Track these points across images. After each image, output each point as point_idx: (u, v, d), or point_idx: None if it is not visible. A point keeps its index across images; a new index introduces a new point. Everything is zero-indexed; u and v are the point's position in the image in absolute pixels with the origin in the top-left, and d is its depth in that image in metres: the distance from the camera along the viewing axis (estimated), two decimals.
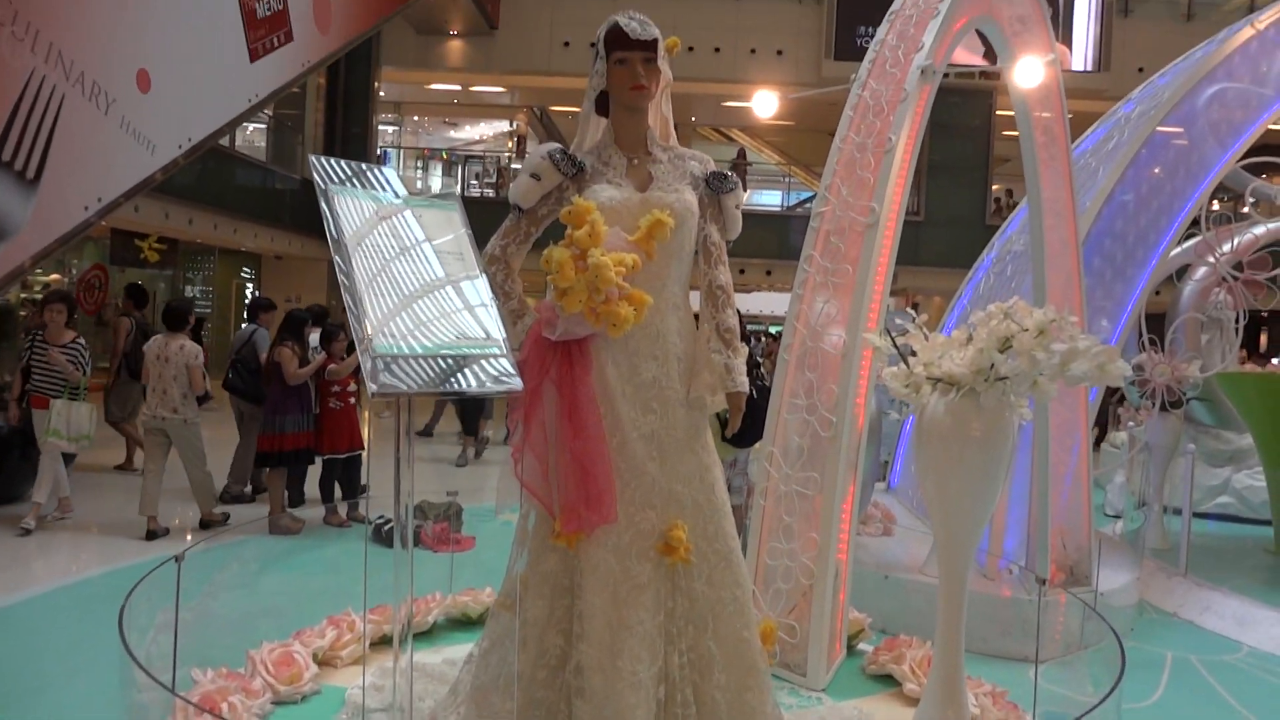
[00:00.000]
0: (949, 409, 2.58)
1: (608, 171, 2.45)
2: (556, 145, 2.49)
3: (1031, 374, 2.45)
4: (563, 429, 2.25)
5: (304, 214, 16.51)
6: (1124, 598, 5.35)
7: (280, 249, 17.21)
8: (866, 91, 3.65)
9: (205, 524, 6.41)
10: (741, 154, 19.82)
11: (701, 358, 2.44)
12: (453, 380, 1.87)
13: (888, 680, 3.29)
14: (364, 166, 2.14)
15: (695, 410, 2.43)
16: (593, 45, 2.47)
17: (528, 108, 21.43)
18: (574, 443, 2.23)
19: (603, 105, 2.54)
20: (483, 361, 1.94)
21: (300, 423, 6.61)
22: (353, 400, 6.85)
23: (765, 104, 4.30)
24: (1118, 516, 8.37)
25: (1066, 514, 5.23)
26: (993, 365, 2.51)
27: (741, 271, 16.95)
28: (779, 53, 17.07)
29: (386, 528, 5.96)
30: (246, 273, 19.42)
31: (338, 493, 6.81)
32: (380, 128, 19.80)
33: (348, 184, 2.03)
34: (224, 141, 14.92)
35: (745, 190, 19.00)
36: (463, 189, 19.05)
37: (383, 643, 3.37)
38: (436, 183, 20.06)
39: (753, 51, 17.01)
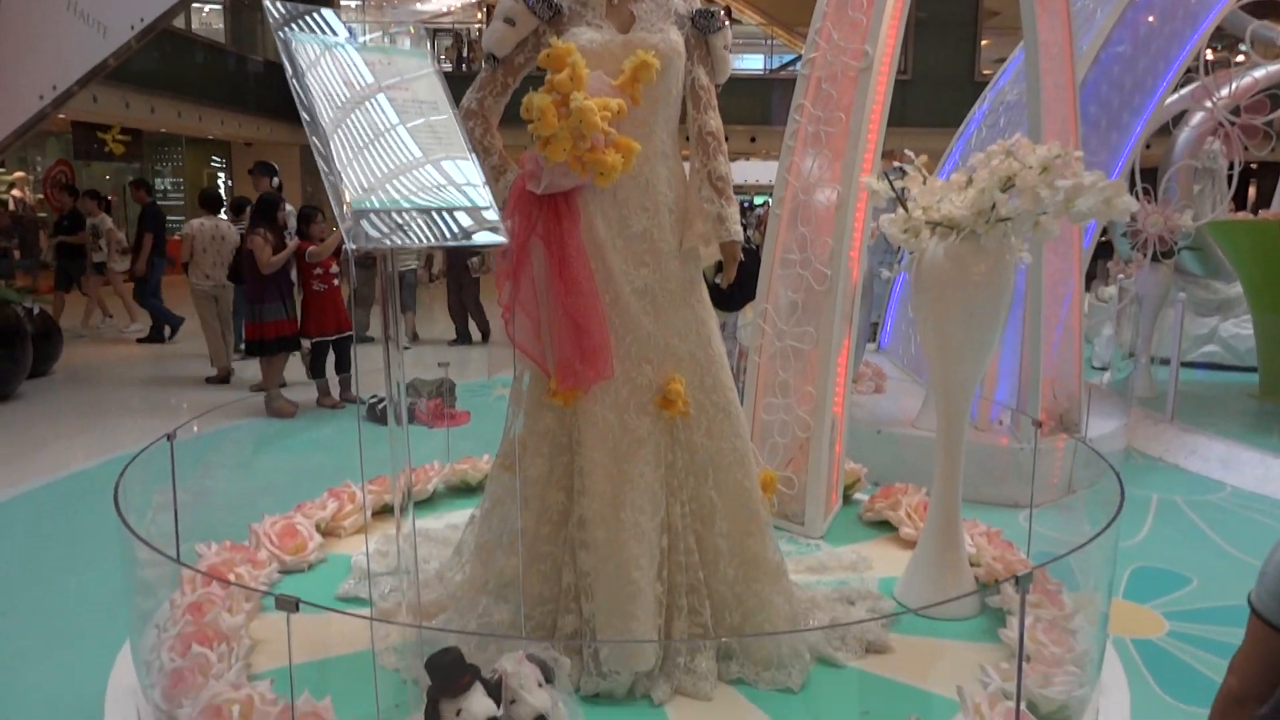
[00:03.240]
0: (948, 253, 2.53)
1: (586, 13, 2.30)
2: None
3: (1034, 213, 2.38)
4: (554, 286, 2.18)
5: (270, 98, 15.92)
6: (1111, 444, 5.44)
7: (249, 135, 16.69)
8: None
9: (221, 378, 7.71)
10: (727, 11, 19.05)
11: (693, 207, 2.35)
12: (435, 233, 1.79)
13: (884, 526, 3.35)
14: (322, 14, 1.99)
15: (688, 262, 2.36)
16: None
17: None
18: (566, 299, 2.17)
19: None
20: (465, 213, 1.86)
21: (280, 310, 6.54)
22: (335, 282, 6.75)
23: None
24: (1104, 369, 8.46)
25: (1057, 364, 5.26)
26: (994, 206, 2.44)
27: (726, 138, 16.53)
28: None
29: (380, 406, 5.94)
30: (217, 161, 18.88)
31: (330, 375, 6.80)
32: (344, 2, 18.89)
33: (304, 28, 1.89)
34: (180, 23, 14.23)
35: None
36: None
37: (384, 512, 3.40)
38: None
39: None
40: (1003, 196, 2.40)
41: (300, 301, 6.74)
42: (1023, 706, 1.88)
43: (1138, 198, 6.63)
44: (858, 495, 3.66)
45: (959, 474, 2.69)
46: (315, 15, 1.96)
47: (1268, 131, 6.59)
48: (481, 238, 1.87)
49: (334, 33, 1.98)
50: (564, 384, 2.21)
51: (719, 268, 2.45)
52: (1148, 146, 7.82)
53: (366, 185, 1.76)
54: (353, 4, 20.71)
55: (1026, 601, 2.29)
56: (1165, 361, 6.97)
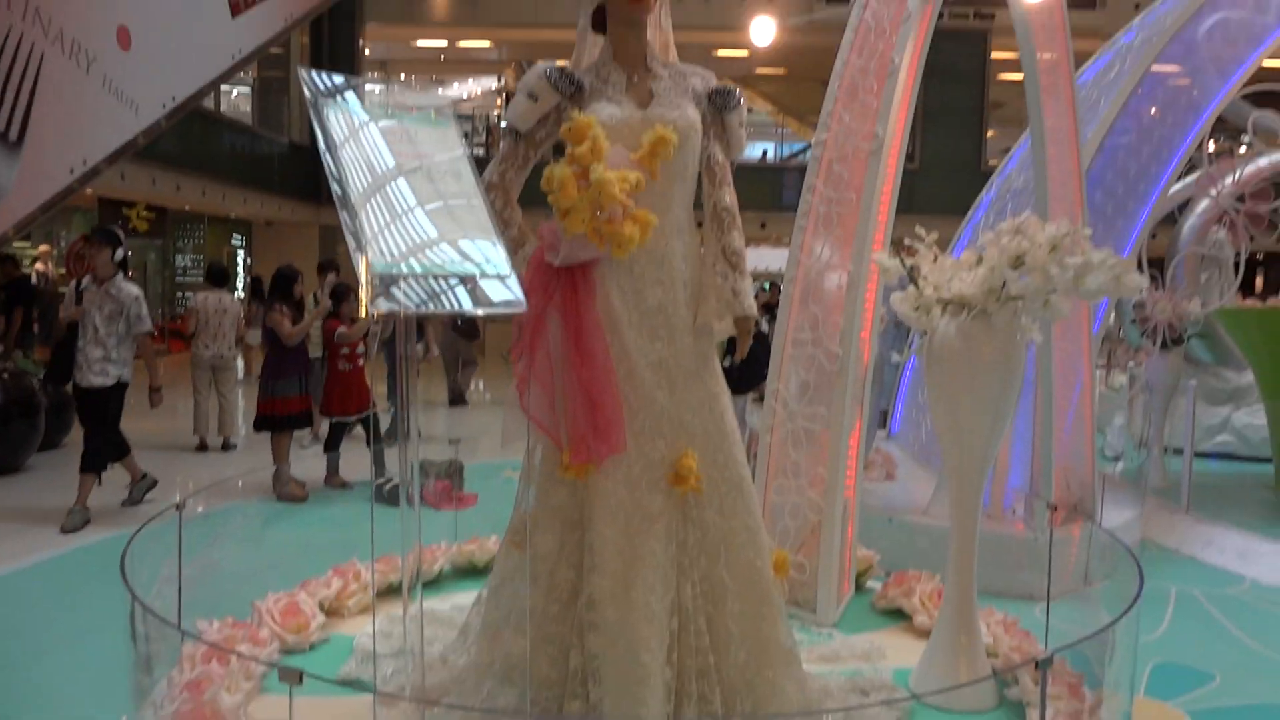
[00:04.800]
0: (960, 331, 2.53)
1: (607, 89, 2.36)
2: (554, 63, 2.39)
3: (1044, 291, 2.39)
4: (569, 358, 2.18)
5: (292, 178, 16.28)
6: (1127, 535, 5.34)
7: (270, 214, 17.01)
8: (868, 12, 3.54)
9: (226, 445, 8.07)
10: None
11: (708, 282, 2.37)
12: (454, 300, 1.80)
13: (898, 614, 3.27)
14: (356, 80, 2.05)
15: (703, 337, 2.37)
16: None
17: (516, 62, 21.09)
18: (581, 372, 2.17)
19: (600, 22, 2.44)
20: (485, 281, 1.87)
21: (295, 386, 6.55)
22: (361, 362, 6.76)
23: (763, 30, 4.19)
24: (1118, 459, 8.38)
25: (1069, 452, 5.20)
26: (1004, 284, 2.45)
27: None
28: None
29: (388, 487, 5.92)
30: (237, 239, 19.23)
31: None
32: (367, 86, 19.48)
33: (339, 97, 1.95)
34: (209, 105, 14.69)
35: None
36: None
37: (389, 592, 3.34)
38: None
39: None
40: (1013, 274, 2.41)
41: (325, 380, 6.73)
42: None
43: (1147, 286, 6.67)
44: (870, 582, 3.58)
45: (973, 558, 2.63)
46: (350, 91, 2.01)
47: (1273, 220, 6.66)
48: (503, 305, 1.88)
49: (367, 108, 2.03)
50: (576, 458, 2.19)
51: (728, 348, 2.46)
52: (1153, 236, 7.90)
53: (392, 255, 1.78)
54: (376, 88, 21.36)
55: (1046, 694, 2.22)
56: (1178, 451, 6.89)
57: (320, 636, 2.97)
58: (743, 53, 17.05)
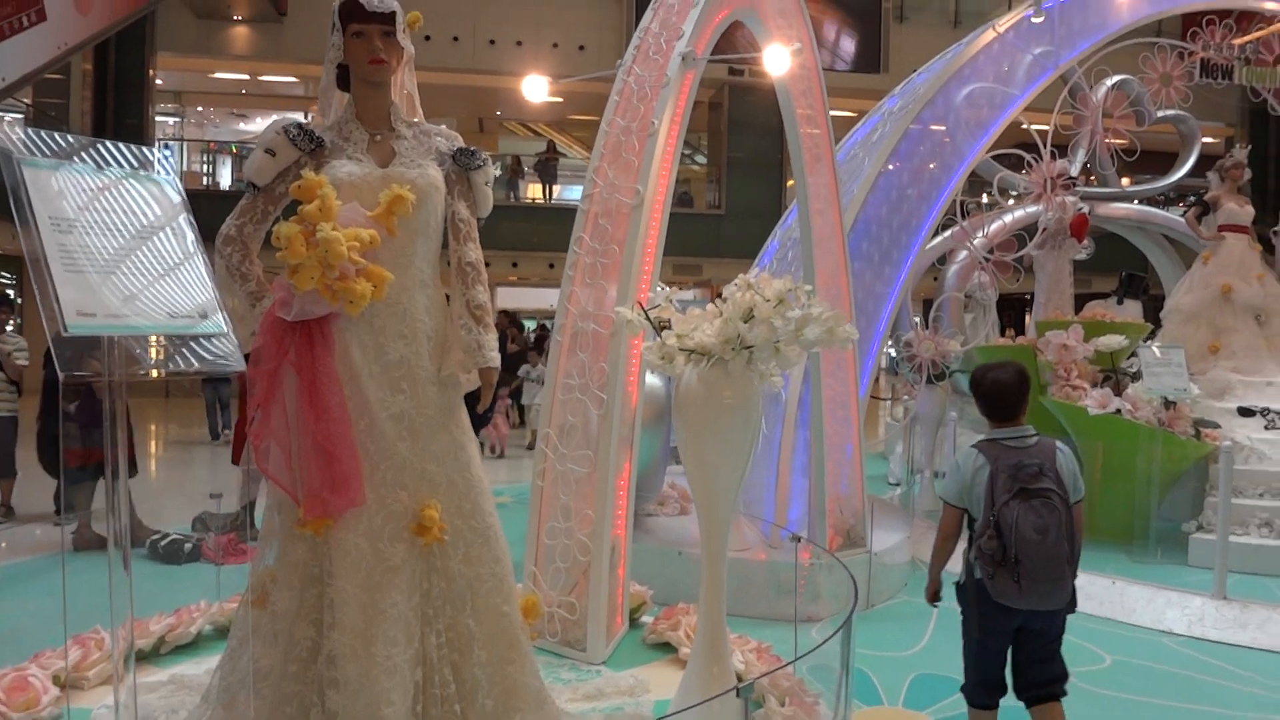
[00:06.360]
0: (701, 378, 2.69)
1: (348, 147, 2.39)
2: (294, 119, 2.40)
3: (772, 341, 2.59)
4: (303, 413, 2.17)
5: None
6: (897, 556, 5.76)
7: None
8: (631, 77, 3.74)
9: None
10: (551, 146, 19.86)
11: (452, 335, 2.42)
12: (170, 360, 1.77)
13: (667, 648, 3.39)
14: (84, 140, 1.98)
15: (448, 388, 2.41)
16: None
17: None
18: (316, 426, 2.16)
19: (344, 79, 2.47)
20: (199, 342, 1.84)
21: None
22: None
23: (535, 89, 4.33)
24: (898, 484, 9.01)
25: (844, 483, 5.57)
26: (739, 334, 2.64)
27: (551, 266, 17.01)
28: (580, 48, 17.20)
29: (164, 543, 5.54)
30: (6, 278, 17.61)
31: None
32: (159, 119, 18.43)
33: (50, 155, 1.87)
34: None
35: (555, 184, 19.08)
36: None
37: (140, 659, 3.15)
38: (226, 178, 18.88)
39: (555, 45, 17.05)
40: (745, 326, 2.60)
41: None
42: None
43: (913, 326, 7.28)
44: (645, 618, 3.70)
45: (723, 590, 2.78)
46: (57, 138, 1.94)
47: (1017, 267, 7.44)
48: (217, 364, 1.86)
49: (77, 160, 1.96)
50: (312, 513, 2.17)
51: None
52: (935, 279, 8.65)
53: (92, 310, 1.73)
54: (170, 121, 20.25)
55: (780, 713, 2.37)
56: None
57: (52, 712, 2.76)
58: (556, 99, 17.37)
